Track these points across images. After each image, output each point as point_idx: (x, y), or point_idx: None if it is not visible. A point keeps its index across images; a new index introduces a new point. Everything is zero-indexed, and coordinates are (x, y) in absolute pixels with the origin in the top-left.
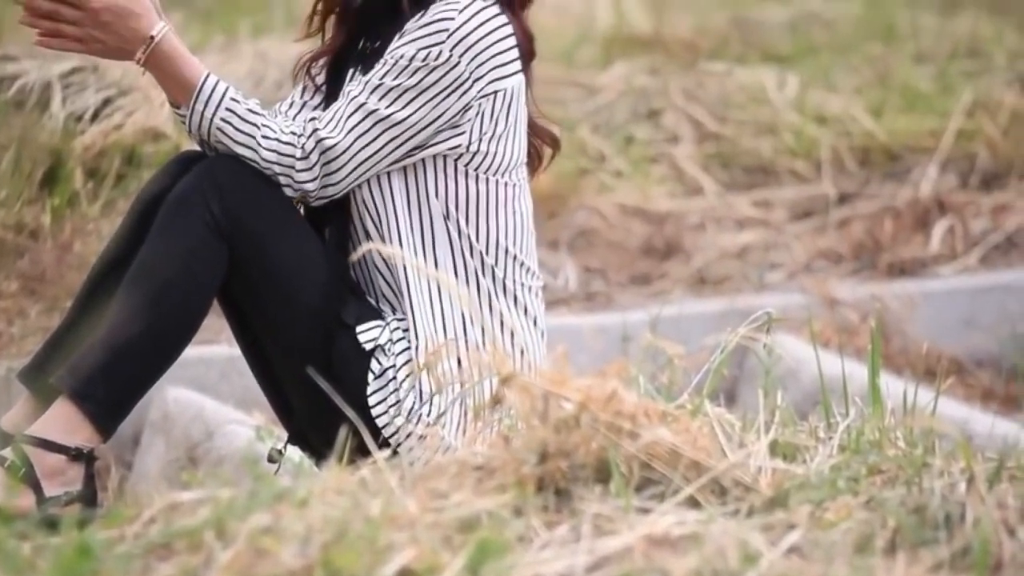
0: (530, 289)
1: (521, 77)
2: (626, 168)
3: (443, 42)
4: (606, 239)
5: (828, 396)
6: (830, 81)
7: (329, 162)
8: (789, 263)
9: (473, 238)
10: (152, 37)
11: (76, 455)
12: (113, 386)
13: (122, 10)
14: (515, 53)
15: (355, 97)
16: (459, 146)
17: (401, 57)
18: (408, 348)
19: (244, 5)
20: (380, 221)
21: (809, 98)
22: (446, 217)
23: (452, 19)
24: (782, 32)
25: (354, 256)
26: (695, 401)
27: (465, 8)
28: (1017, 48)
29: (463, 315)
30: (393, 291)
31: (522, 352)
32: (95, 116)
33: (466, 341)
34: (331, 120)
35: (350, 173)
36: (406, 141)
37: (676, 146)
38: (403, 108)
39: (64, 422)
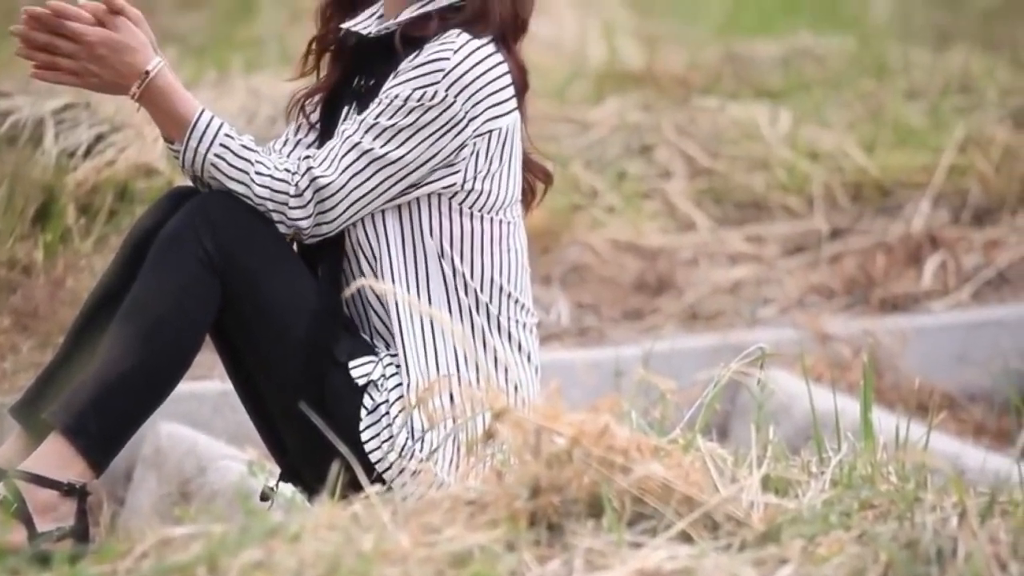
0: (524, 326)
1: (516, 115)
2: (618, 204)
3: (438, 82)
4: (598, 274)
5: (820, 431)
6: (822, 117)
7: (323, 200)
8: (781, 298)
9: (468, 276)
10: (147, 72)
11: (68, 490)
12: (106, 422)
13: (118, 44)
14: (510, 91)
15: (350, 136)
16: (454, 185)
17: (396, 97)
18: (401, 384)
19: (237, 41)
20: (374, 260)
21: (801, 134)
22: (440, 256)
23: (447, 59)
24: (774, 68)
25: (347, 292)
26: (687, 436)
27: (460, 48)
28: (1009, 84)
29: (456, 353)
30: (387, 327)
31: (516, 388)
32: (88, 152)
33: (459, 378)
34: (325, 158)
35: (344, 211)
36: (401, 180)
37: (668, 181)
38: (398, 147)
39: (56, 457)
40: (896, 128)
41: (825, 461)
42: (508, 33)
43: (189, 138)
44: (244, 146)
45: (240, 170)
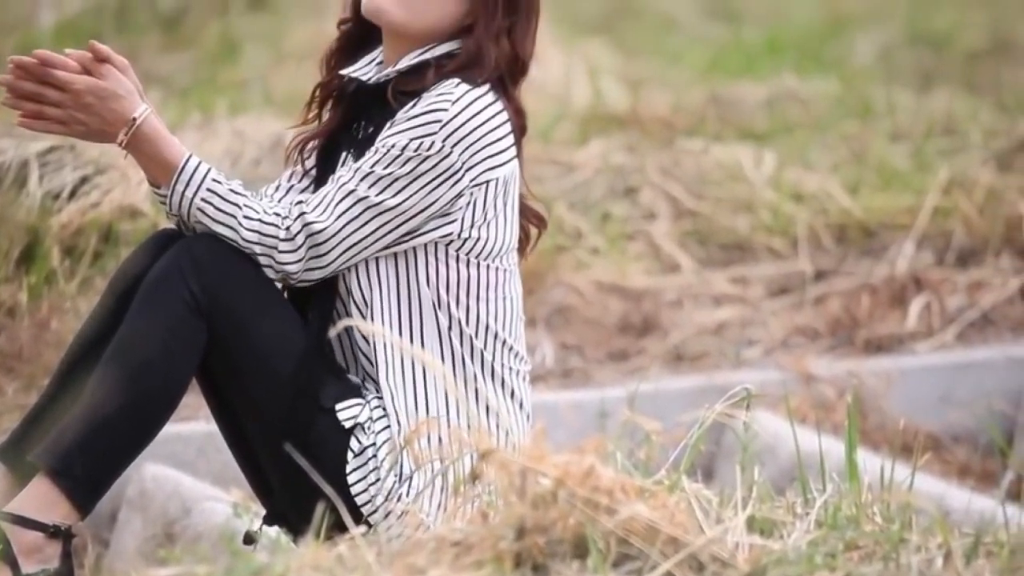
0: (517, 373)
1: (515, 164)
2: (603, 245)
3: (435, 133)
4: (583, 316)
5: (805, 472)
6: (806, 159)
7: (316, 245)
8: (766, 339)
9: (463, 322)
10: (134, 119)
11: (54, 532)
12: (91, 464)
13: (105, 92)
14: (509, 141)
15: (345, 184)
16: (450, 234)
17: (393, 146)
18: (389, 427)
19: (221, 83)
20: (365, 307)
21: (786, 175)
22: (436, 306)
23: (445, 110)
24: (759, 110)
25: (332, 332)
26: (672, 477)
27: (459, 99)
28: (992, 126)
29: (447, 398)
30: (376, 368)
31: (507, 434)
32: (72, 194)
33: (448, 422)
34: (319, 204)
35: (338, 257)
36: (395, 228)
37: (653, 223)
38: (394, 196)
39: (41, 499)
40: (880, 170)
41: (810, 502)
42: (507, 76)
43: (176, 183)
44: (232, 190)
45: (227, 214)
